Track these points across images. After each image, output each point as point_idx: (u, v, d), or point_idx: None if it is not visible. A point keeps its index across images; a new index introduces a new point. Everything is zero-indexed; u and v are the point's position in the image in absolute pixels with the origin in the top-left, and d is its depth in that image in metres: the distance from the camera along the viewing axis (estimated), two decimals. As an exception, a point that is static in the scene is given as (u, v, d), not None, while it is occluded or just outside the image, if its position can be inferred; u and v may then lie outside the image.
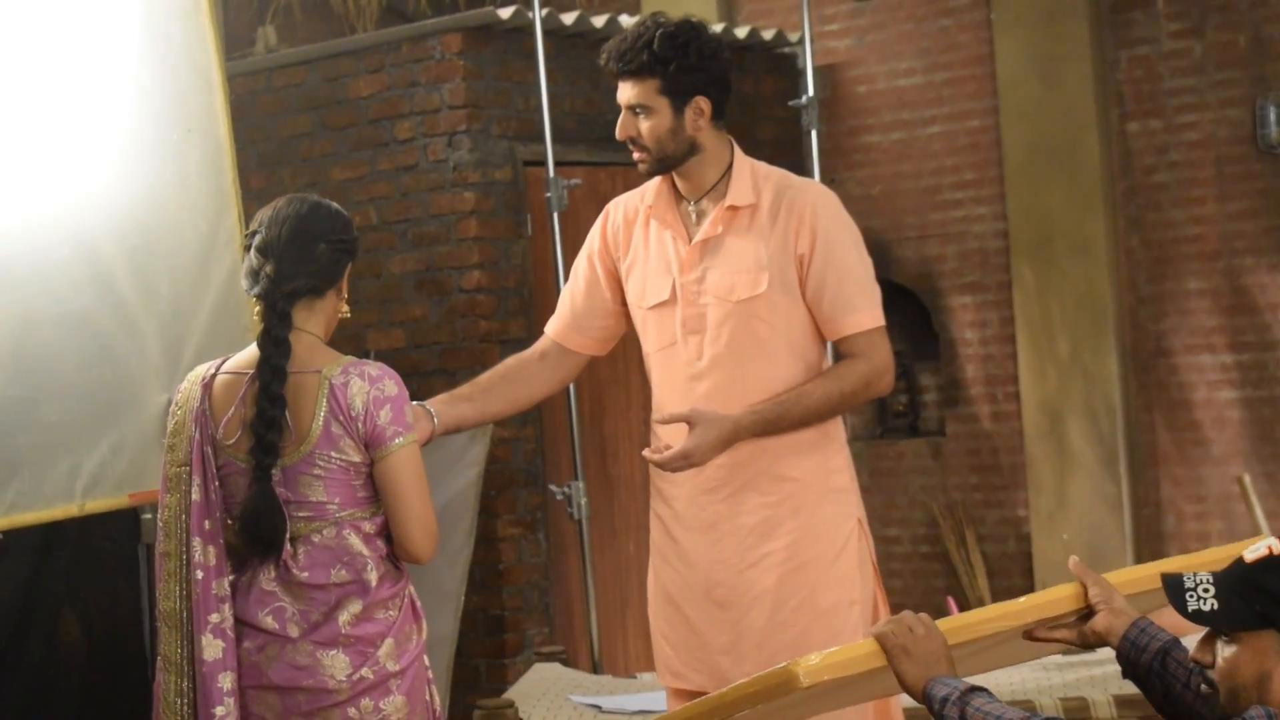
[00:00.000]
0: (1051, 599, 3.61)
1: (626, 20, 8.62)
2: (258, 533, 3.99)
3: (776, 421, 4.42)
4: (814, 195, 4.52)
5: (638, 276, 4.62)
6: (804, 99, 8.06)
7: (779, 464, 4.48)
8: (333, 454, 3.96)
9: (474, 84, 8.03)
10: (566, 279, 6.99)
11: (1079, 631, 3.54)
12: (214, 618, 4.01)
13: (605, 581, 8.23)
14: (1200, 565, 3.43)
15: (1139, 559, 8.68)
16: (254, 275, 4.05)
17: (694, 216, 4.56)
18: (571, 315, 4.76)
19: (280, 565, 4.00)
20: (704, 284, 4.49)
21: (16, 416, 4.87)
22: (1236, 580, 3.12)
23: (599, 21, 8.43)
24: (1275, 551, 3.11)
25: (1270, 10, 8.44)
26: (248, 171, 8.05)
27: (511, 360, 4.79)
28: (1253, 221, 8.54)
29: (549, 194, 7.17)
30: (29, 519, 4.96)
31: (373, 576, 4.01)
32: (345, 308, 4.15)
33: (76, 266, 5.06)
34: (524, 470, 8.07)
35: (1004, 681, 5.73)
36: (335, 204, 4.17)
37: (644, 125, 4.47)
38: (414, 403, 4.32)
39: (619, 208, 4.72)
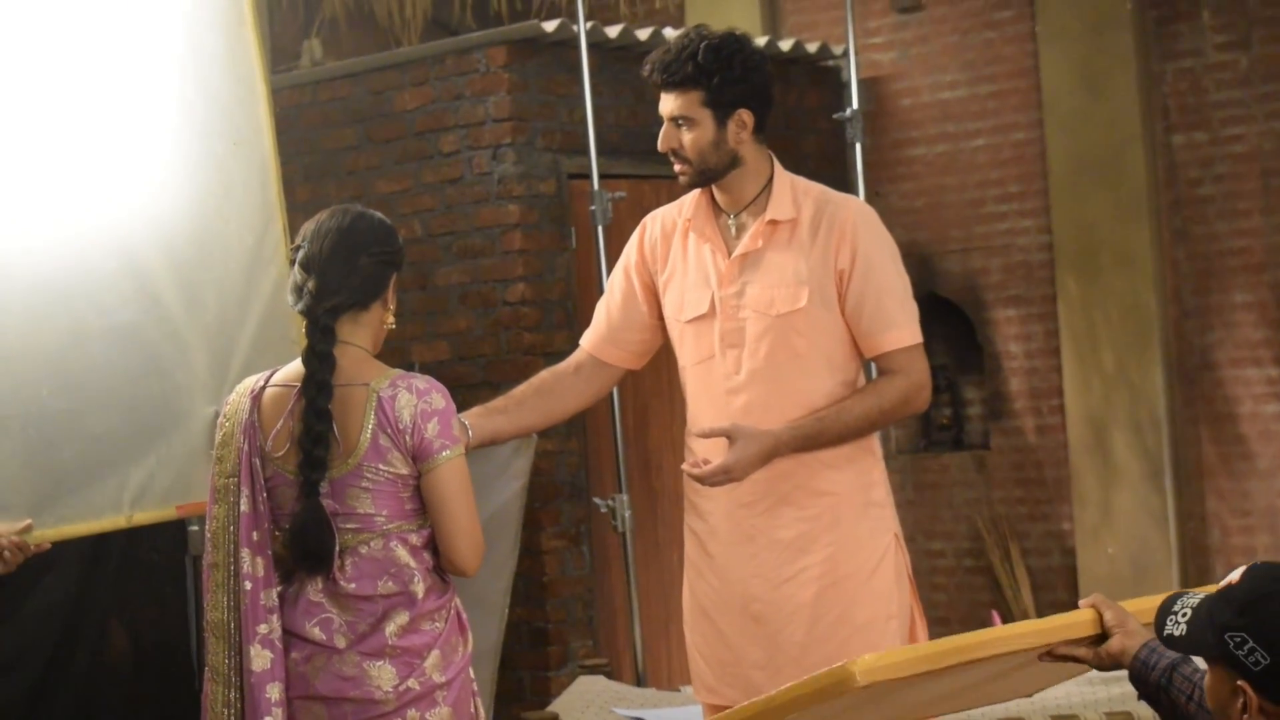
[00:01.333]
0: (1069, 622, 3.63)
1: (670, 33, 8.63)
2: (306, 548, 4.00)
3: (816, 437, 4.43)
4: (854, 211, 4.52)
5: (676, 290, 4.62)
6: (848, 112, 8.06)
7: (816, 478, 4.48)
8: (380, 466, 3.97)
9: (519, 97, 8.04)
10: (610, 291, 7.07)
11: (1095, 653, 3.56)
12: (262, 628, 4.03)
13: (649, 594, 8.23)
14: None
15: (1184, 573, 8.66)
16: (298, 291, 4.06)
17: (733, 230, 4.56)
18: (607, 328, 4.76)
19: (328, 577, 4.01)
20: (743, 298, 4.49)
21: (64, 429, 4.89)
22: (1204, 607, 3.09)
23: (643, 34, 8.45)
24: (1234, 581, 3.06)
25: (1317, 22, 8.42)
26: (293, 184, 8.08)
27: (546, 373, 4.78)
28: (1299, 234, 8.51)
29: (593, 207, 7.18)
30: (77, 530, 4.98)
31: (419, 588, 4.01)
32: (391, 319, 4.15)
33: (123, 280, 5.08)
34: (568, 483, 8.07)
35: (1049, 695, 5.71)
36: (379, 215, 4.17)
37: (686, 137, 4.48)
38: None
39: (656, 221, 4.71)
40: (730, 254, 4.52)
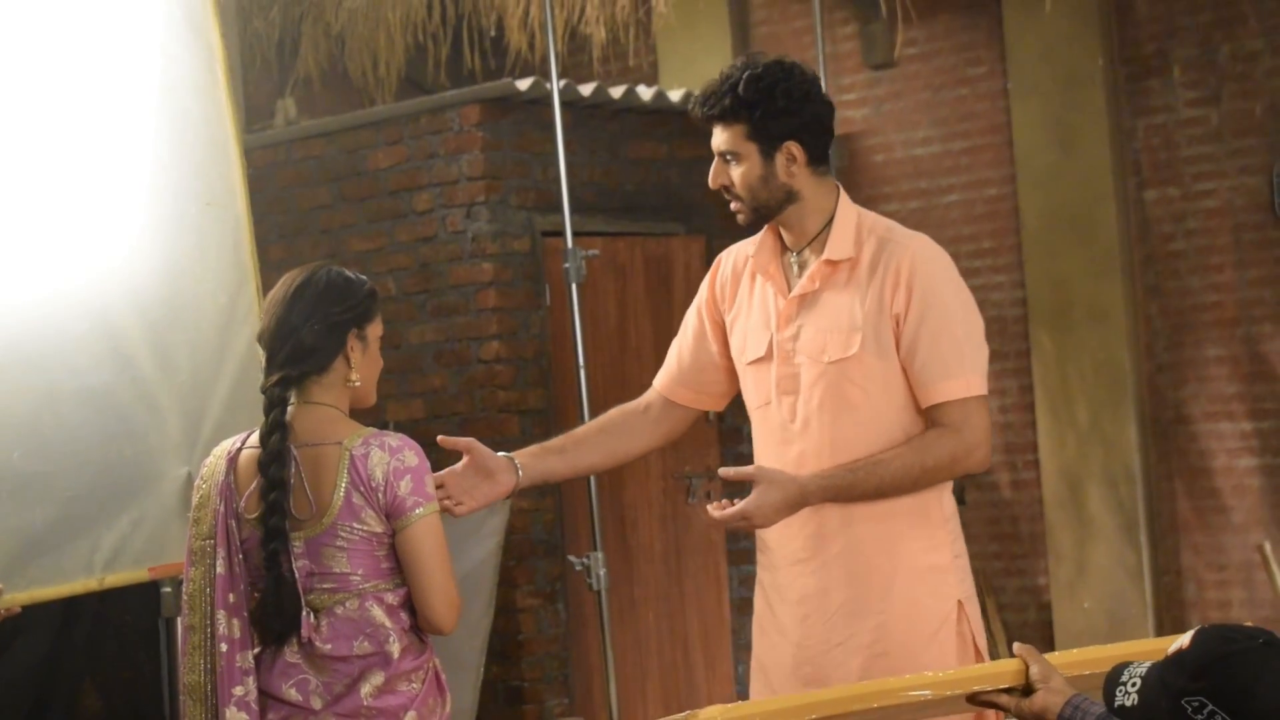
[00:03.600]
0: (993, 671, 3.61)
1: (644, 90, 8.66)
2: (267, 619, 3.99)
3: (847, 490, 4.16)
4: (915, 250, 4.23)
5: (740, 330, 4.41)
6: (822, 168, 8.06)
7: (870, 538, 4.22)
8: (354, 525, 3.94)
9: (492, 155, 8.05)
10: (585, 349, 7.07)
11: (1016, 704, 3.53)
12: (238, 690, 4.00)
13: (625, 652, 8.21)
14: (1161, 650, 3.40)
15: (1160, 627, 8.65)
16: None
17: (795, 268, 4.33)
18: (678, 368, 4.56)
19: (304, 638, 3.98)
20: (798, 341, 4.27)
21: (36, 492, 4.87)
22: (1154, 675, 3.08)
23: (616, 92, 8.47)
24: (1184, 646, 3.06)
25: (1286, 78, 8.46)
26: (268, 243, 8.08)
27: (614, 412, 4.58)
28: (1271, 289, 8.53)
29: (567, 264, 7.18)
30: (49, 594, 4.96)
31: (395, 648, 3.98)
32: (355, 377, 4.06)
33: (96, 341, 5.07)
34: (543, 541, 8.06)
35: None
36: (335, 272, 4.10)
37: (735, 173, 4.27)
38: (500, 454, 4.31)
39: (730, 258, 4.50)
40: (789, 293, 4.31)
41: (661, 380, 4.61)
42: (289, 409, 4.02)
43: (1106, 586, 8.85)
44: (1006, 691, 3.55)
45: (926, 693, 3.55)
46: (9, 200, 5.00)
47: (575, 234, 7.17)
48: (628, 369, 8.38)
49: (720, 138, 4.29)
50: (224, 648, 4.01)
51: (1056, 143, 8.98)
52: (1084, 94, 8.89)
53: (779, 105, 4.23)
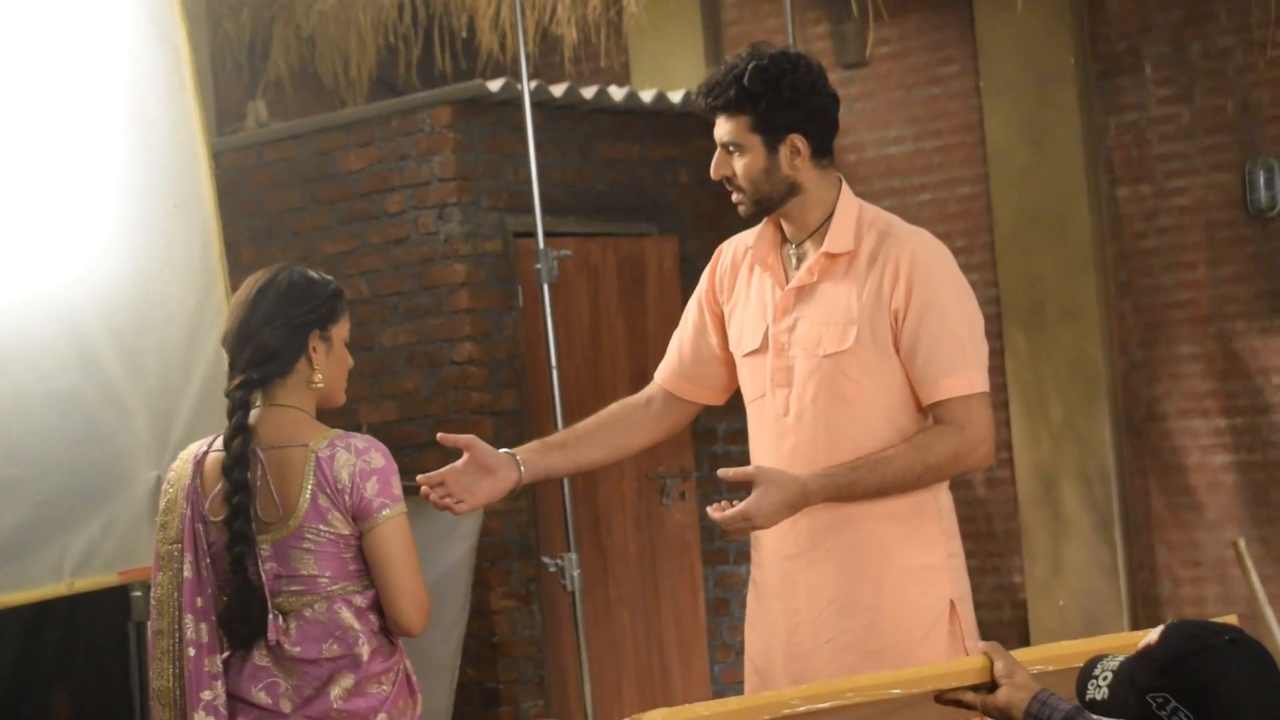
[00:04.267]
0: (957, 669, 3.58)
1: (616, 91, 8.65)
2: (233, 623, 3.98)
3: (849, 488, 4.10)
4: (915, 245, 4.20)
5: (737, 322, 4.36)
6: (794, 168, 8.04)
7: (863, 534, 4.17)
8: (321, 527, 3.93)
9: (464, 156, 8.04)
10: (558, 350, 7.06)
11: (983, 701, 3.52)
12: (206, 695, 3.98)
13: (600, 653, 8.19)
14: (1126, 645, 3.39)
15: (1135, 624, 8.66)
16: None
17: (794, 260, 4.28)
18: (679, 361, 4.52)
19: (272, 641, 3.97)
20: (794, 334, 4.22)
21: (4, 496, 4.86)
22: (1124, 669, 3.08)
23: (588, 93, 8.46)
24: (1152, 642, 3.06)
25: (1258, 75, 8.46)
26: (239, 246, 8.06)
27: (616, 406, 4.53)
28: (1244, 286, 8.54)
29: (539, 265, 7.17)
30: (18, 599, 4.94)
31: (364, 650, 3.97)
32: (318, 378, 4.03)
33: (63, 345, 5.05)
34: (517, 542, 8.04)
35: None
36: (297, 273, 4.08)
37: (738, 164, 4.21)
38: (502, 450, 4.26)
39: (730, 249, 4.45)
40: (786, 285, 4.26)
41: (663, 374, 4.57)
42: (253, 412, 4.01)
43: (1081, 584, 8.85)
44: (973, 689, 3.54)
45: (895, 691, 3.52)
46: (-26, 204, 4.98)
47: (547, 235, 7.16)
48: (601, 369, 8.37)
49: (724, 129, 4.23)
50: (192, 652, 4.00)
51: (1029, 141, 8.98)
52: (1056, 92, 8.90)
53: (785, 97, 4.17)
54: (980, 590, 9.11)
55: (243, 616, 3.96)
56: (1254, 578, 8.18)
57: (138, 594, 5.23)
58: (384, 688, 4.00)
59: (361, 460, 3.94)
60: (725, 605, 8.81)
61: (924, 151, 9.38)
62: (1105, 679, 3.11)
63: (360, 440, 3.98)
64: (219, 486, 4.01)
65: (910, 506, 4.20)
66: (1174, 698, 2.96)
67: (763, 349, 4.28)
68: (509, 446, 4.42)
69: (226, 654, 4.04)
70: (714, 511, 4.08)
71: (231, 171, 8.40)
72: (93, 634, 6.43)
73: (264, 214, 8.54)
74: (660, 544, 8.67)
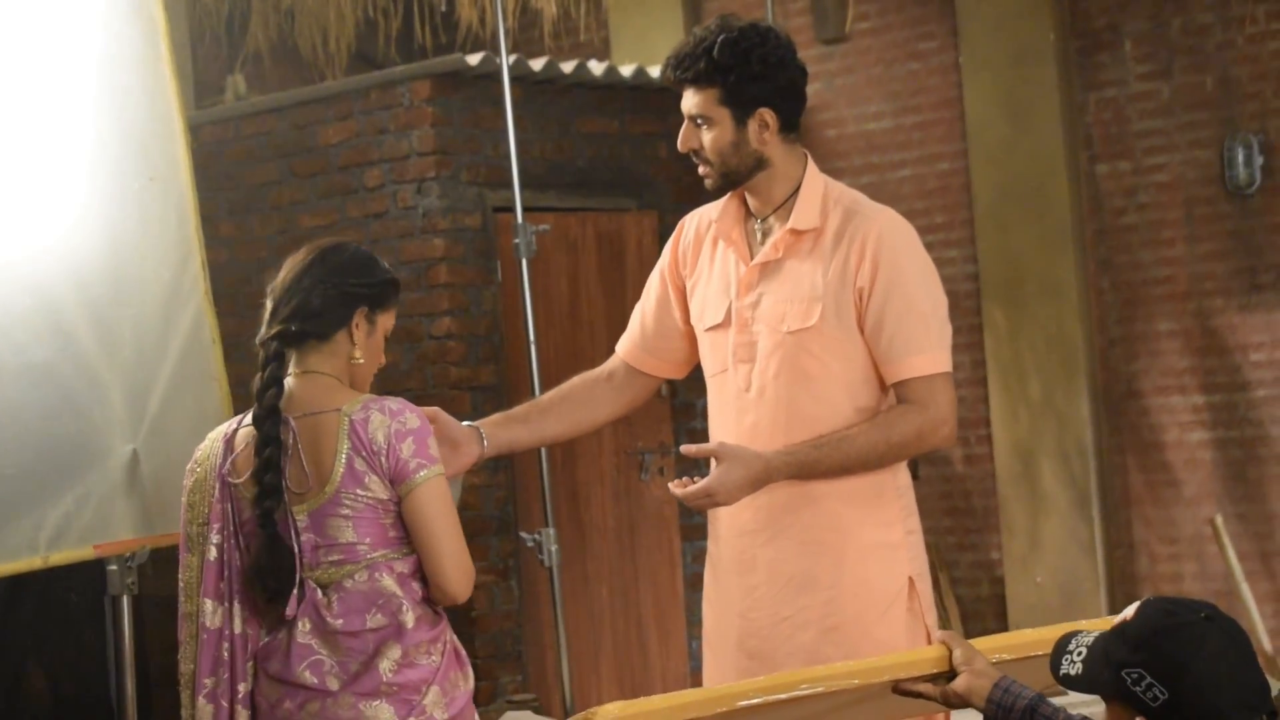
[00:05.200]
0: (914, 658, 3.57)
1: (596, 65, 8.63)
2: (262, 578, 3.88)
3: (813, 465, 4.10)
4: (882, 224, 4.19)
5: (700, 296, 4.35)
6: (773, 143, 8.03)
7: (822, 512, 4.17)
8: (359, 492, 3.84)
9: (443, 130, 8.02)
10: (537, 325, 7.04)
11: (941, 691, 3.51)
12: (209, 681, 3.93)
13: (578, 628, 8.20)
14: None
15: (1112, 601, 8.67)
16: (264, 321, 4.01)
17: (759, 235, 4.27)
18: (641, 334, 4.50)
19: (315, 615, 3.88)
20: (758, 310, 4.21)
21: (-22, 469, 4.83)
22: (1099, 645, 3.08)
23: (567, 68, 8.44)
24: (1128, 617, 3.06)
25: (1237, 52, 8.46)
26: (217, 219, 8.04)
27: (576, 380, 4.52)
28: (1222, 263, 8.55)
29: (518, 240, 7.15)
30: (-8, 572, 4.92)
31: (409, 618, 3.86)
32: (358, 354, 3.98)
33: (37, 317, 5.02)
34: (495, 517, 8.03)
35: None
36: (361, 250, 4.06)
37: (706, 137, 4.20)
38: (465, 423, 4.22)
39: (693, 221, 4.43)
40: (751, 260, 4.25)
41: (624, 347, 4.55)
42: (287, 380, 3.94)
43: (1059, 561, 8.86)
44: (931, 680, 3.53)
45: (853, 681, 3.51)
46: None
47: (526, 209, 7.15)
48: (580, 345, 8.36)
49: (692, 101, 4.22)
50: (204, 636, 3.93)
51: (1008, 117, 8.97)
52: (1035, 68, 8.89)
53: (754, 70, 4.16)
54: (958, 566, 9.14)
55: (272, 569, 3.86)
56: (1231, 554, 8.20)
57: (113, 568, 5.20)
58: (434, 658, 3.91)
59: (396, 421, 3.85)
60: (703, 581, 8.80)
61: (903, 127, 9.37)
62: (1079, 654, 3.11)
63: (394, 402, 3.90)
64: (249, 454, 3.93)
65: (869, 484, 4.20)
66: (1148, 673, 2.96)
67: (725, 324, 4.28)
68: (500, 413, 4.42)
69: (267, 639, 3.95)
70: (675, 487, 4.09)
71: (209, 145, 8.37)
72: (68, 608, 6.42)
73: (242, 187, 8.52)
74: (639, 519, 8.67)
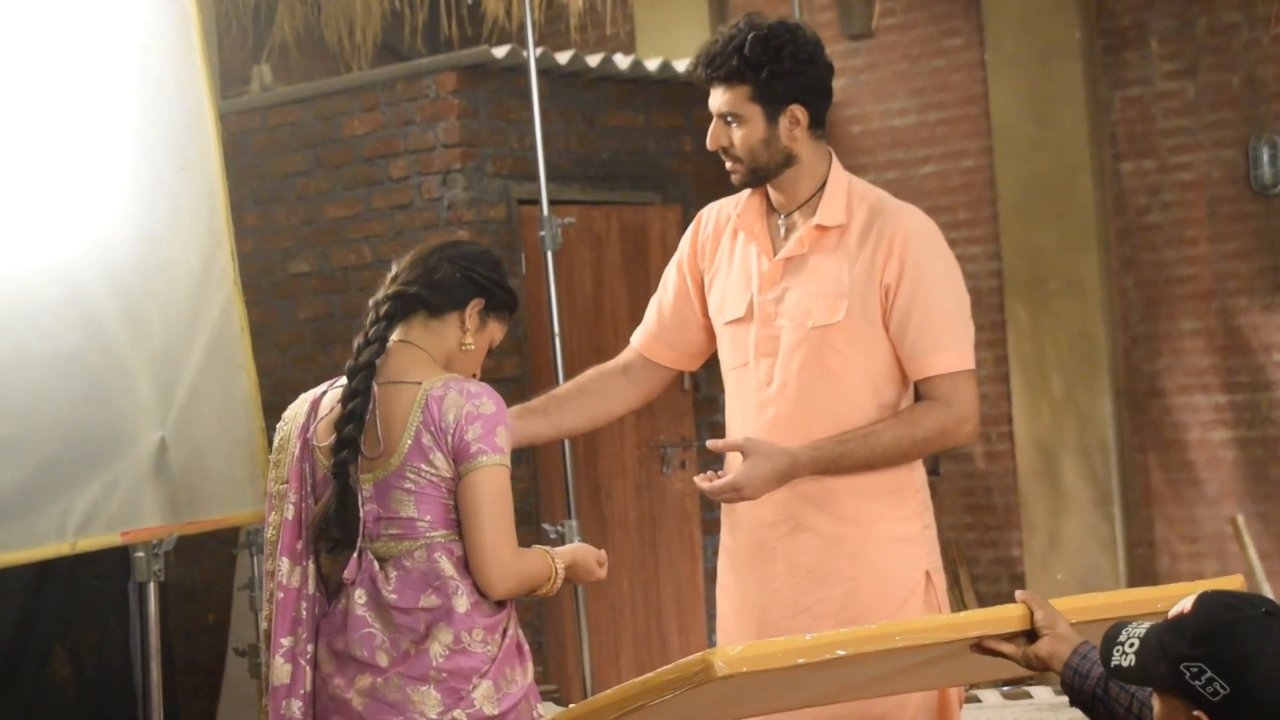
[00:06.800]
0: (997, 616, 3.59)
1: (621, 59, 8.64)
2: (326, 531, 3.88)
3: (838, 461, 4.12)
4: (908, 221, 4.20)
5: (719, 288, 4.36)
6: (798, 138, 8.04)
7: (841, 505, 4.18)
8: (423, 466, 3.82)
9: (468, 122, 8.03)
10: (560, 318, 7.05)
11: (1024, 653, 3.53)
12: (286, 641, 3.91)
13: (599, 620, 8.21)
14: (1163, 599, 3.39)
15: (1133, 599, 8.66)
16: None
17: (782, 230, 4.28)
18: (658, 326, 4.51)
19: (371, 586, 3.86)
20: (781, 304, 4.22)
21: (6, 456, 4.83)
22: (1154, 637, 3.05)
23: (593, 61, 8.45)
24: (1185, 611, 3.03)
25: (1263, 52, 8.46)
26: (242, 209, 8.05)
27: (592, 372, 4.53)
28: (1246, 262, 8.55)
29: (543, 233, 7.15)
30: (20, 558, 4.92)
31: (462, 602, 3.82)
32: (469, 340, 3.96)
33: (66, 306, 5.03)
34: (518, 508, 7.95)
35: (996, 721, 5.71)
36: (496, 257, 4.06)
37: (736, 135, 4.22)
38: None
39: (711, 214, 4.45)
40: (775, 255, 4.26)
41: (640, 338, 4.56)
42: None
43: (1080, 558, 8.87)
44: (1010, 640, 3.54)
45: (942, 637, 3.53)
46: (-20, 164, 4.97)
47: (551, 202, 7.15)
48: (603, 337, 8.37)
49: (722, 99, 4.23)
50: (280, 595, 3.92)
51: (1033, 114, 8.97)
52: (1061, 66, 8.89)
53: (785, 67, 4.18)
54: (979, 563, 9.14)
55: (339, 520, 3.85)
56: (1252, 553, 8.20)
57: (140, 555, 5.22)
58: (489, 648, 3.86)
59: (471, 404, 3.81)
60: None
61: (928, 124, 9.38)
62: (1132, 645, 3.09)
63: (474, 385, 3.86)
64: (334, 418, 3.91)
65: (889, 479, 4.21)
66: (1209, 668, 2.94)
67: (747, 318, 4.29)
68: (519, 404, 4.42)
69: (327, 610, 3.92)
70: (701, 481, 4.11)
71: (235, 135, 8.39)
72: (94, 595, 6.44)
73: (268, 178, 8.54)
74: (660, 512, 8.69)
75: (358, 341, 3.94)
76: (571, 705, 3.87)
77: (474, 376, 4.00)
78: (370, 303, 4.00)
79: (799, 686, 3.75)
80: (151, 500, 5.17)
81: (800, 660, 3.42)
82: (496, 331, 4.06)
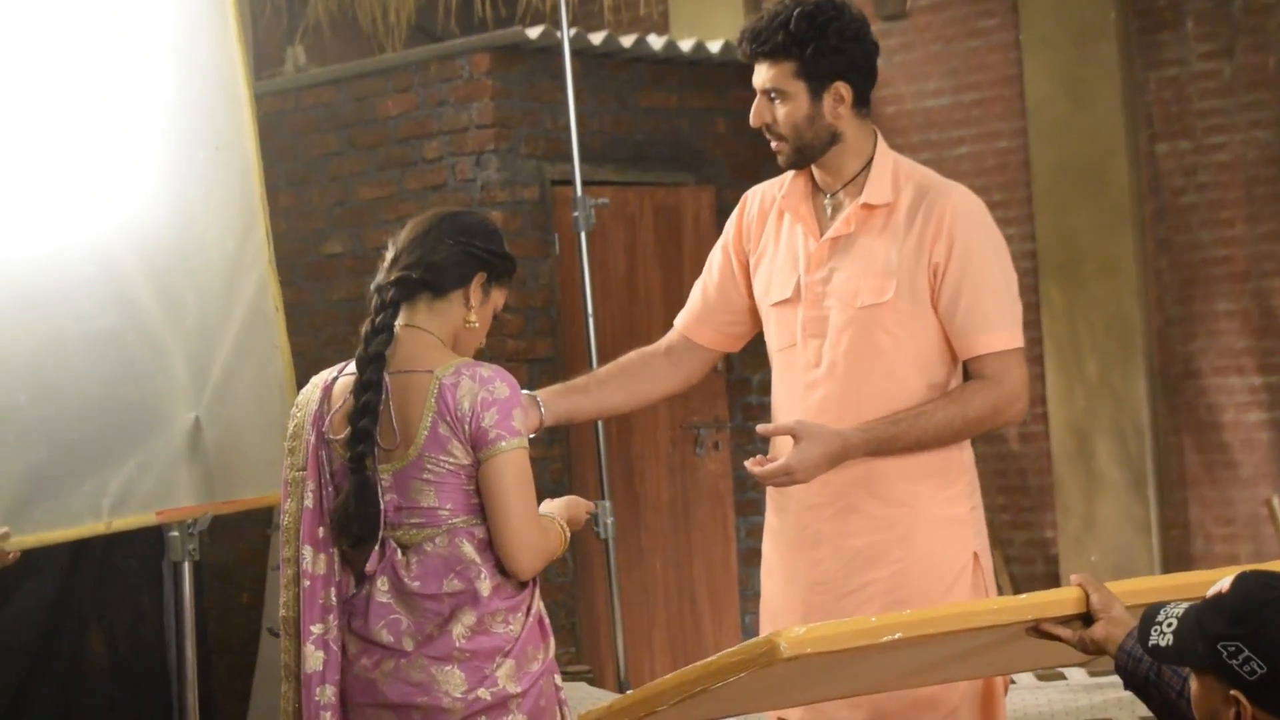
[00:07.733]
0: (1053, 599, 3.59)
1: (655, 40, 8.63)
2: (347, 527, 3.88)
3: (890, 442, 4.10)
4: (956, 200, 4.20)
5: (765, 270, 4.34)
6: (832, 119, 8.02)
7: (890, 486, 4.17)
8: (441, 457, 3.83)
9: (502, 103, 8.04)
10: (594, 298, 7.05)
11: (1079, 637, 3.53)
12: (316, 628, 3.91)
13: (632, 601, 8.22)
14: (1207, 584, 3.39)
15: (1167, 581, 8.64)
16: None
17: (829, 210, 4.26)
18: (703, 308, 4.49)
19: (393, 574, 3.87)
20: (829, 285, 4.19)
21: (42, 435, 4.85)
22: (1192, 617, 3.04)
23: (627, 41, 8.44)
24: (1223, 590, 3.02)
25: (1300, 32, 8.43)
26: (276, 190, 8.05)
27: (634, 353, 4.51)
28: (1282, 243, 8.52)
29: (576, 213, 7.15)
30: (55, 537, 4.93)
31: (485, 586, 3.84)
32: (473, 318, 3.98)
33: (102, 285, 5.04)
34: (551, 490, 8.02)
35: (1030, 702, 5.71)
36: (490, 221, 4.08)
37: (780, 111, 4.20)
38: (524, 391, 4.12)
39: (756, 196, 4.42)
40: (821, 236, 4.23)
41: (684, 320, 4.54)
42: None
43: (1114, 540, 8.85)
44: (1065, 623, 3.53)
45: (999, 620, 3.54)
46: (17, 144, 4.97)
47: (585, 183, 7.15)
48: (636, 318, 8.38)
49: (766, 75, 4.21)
50: (306, 584, 3.92)
51: (1068, 95, 8.94)
52: (1096, 46, 8.86)
53: (831, 43, 4.16)
54: (1013, 545, 9.13)
55: (359, 516, 3.85)
56: (1287, 536, 8.17)
57: (174, 534, 5.23)
58: (510, 627, 3.87)
59: (485, 389, 3.82)
60: (757, 555, 8.73)
61: (962, 104, 9.35)
62: (1170, 625, 3.08)
63: (486, 369, 3.87)
64: (348, 409, 3.91)
65: (939, 460, 4.20)
66: (1247, 647, 2.93)
67: (794, 299, 4.27)
68: (560, 383, 4.43)
69: (353, 591, 3.94)
70: (752, 466, 4.09)
71: (269, 116, 8.40)
72: (129, 574, 6.46)
73: (302, 158, 8.55)
74: (693, 494, 8.69)
75: (365, 329, 3.93)
76: (629, 691, 3.87)
77: (480, 345, 4.03)
78: (373, 287, 3.99)
79: (854, 674, 3.76)
80: (186, 480, 5.19)
81: (864, 642, 3.42)
82: (499, 299, 4.07)
